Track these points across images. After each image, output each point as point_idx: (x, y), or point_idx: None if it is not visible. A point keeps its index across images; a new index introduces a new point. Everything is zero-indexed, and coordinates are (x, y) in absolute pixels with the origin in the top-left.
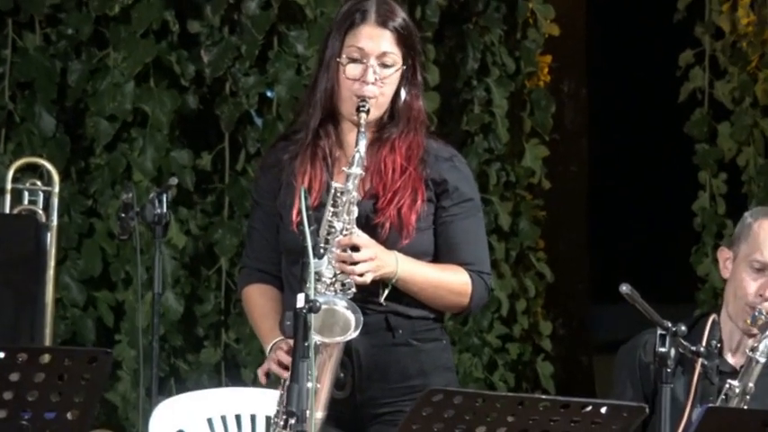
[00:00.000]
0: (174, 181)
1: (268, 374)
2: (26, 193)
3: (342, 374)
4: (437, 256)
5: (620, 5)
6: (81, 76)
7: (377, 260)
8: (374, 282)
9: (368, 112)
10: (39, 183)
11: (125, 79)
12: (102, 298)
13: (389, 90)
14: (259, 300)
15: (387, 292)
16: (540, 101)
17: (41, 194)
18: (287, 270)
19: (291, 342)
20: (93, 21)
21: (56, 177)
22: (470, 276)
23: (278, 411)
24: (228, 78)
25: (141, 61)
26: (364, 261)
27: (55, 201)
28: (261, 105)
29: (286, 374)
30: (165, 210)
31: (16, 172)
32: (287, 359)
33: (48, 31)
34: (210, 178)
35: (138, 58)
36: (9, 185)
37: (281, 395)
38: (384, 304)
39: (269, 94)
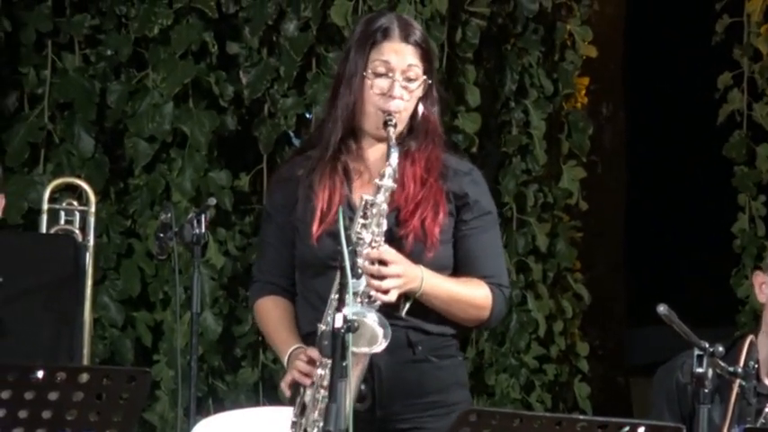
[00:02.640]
0: (212, 201)
1: (291, 385)
2: (62, 213)
3: (363, 387)
4: (456, 269)
5: (659, 27)
6: (120, 96)
7: (403, 277)
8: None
9: (395, 126)
10: (75, 203)
11: (164, 100)
12: (141, 318)
13: (412, 104)
14: (273, 312)
15: (408, 305)
16: (577, 122)
17: (78, 214)
18: (303, 284)
19: (310, 351)
20: (132, 42)
21: (92, 197)
22: (491, 290)
23: (294, 423)
24: (267, 99)
25: (180, 82)
26: (391, 277)
27: (92, 220)
28: (299, 126)
29: (308, 382)
30: (203, 230)
31: (53, 192)
32: (307, 368)
33: (87, 52)
34: (249, 199)
35: (176, 78)
36: (45, 206)
37: (298, 405)
38: (405, 318)
39: (307, 115)
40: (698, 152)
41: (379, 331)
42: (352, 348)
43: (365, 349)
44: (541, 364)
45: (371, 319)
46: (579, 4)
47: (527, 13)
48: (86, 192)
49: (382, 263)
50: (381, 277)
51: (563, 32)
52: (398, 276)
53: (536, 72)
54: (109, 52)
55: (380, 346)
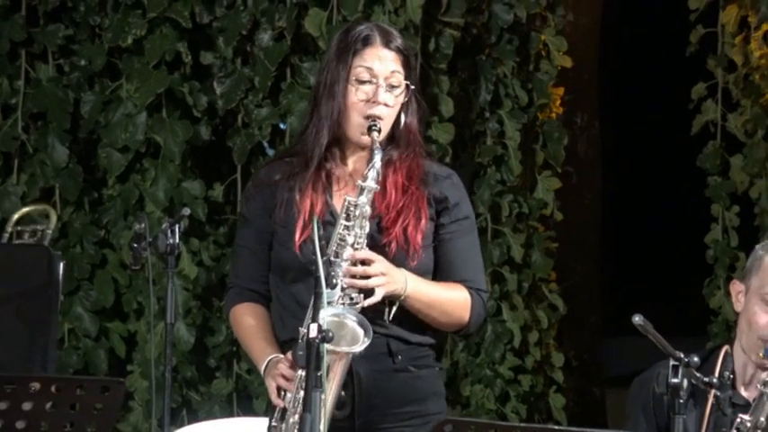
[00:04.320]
0: (186, 211)
1: (280, 395)
2: (26, 235)
3: (342, 393)
4: (435, 273)
5: (633, 38)
6: (94, 107)
7: (387, 275)
8: (380, 301)
9: (380, 130)
10: (38, 227)
11: (137, 110)
12: (115, 328)
13: (395, 111)
14: (249, 319)
15: (394, 310)
16: (552, 133)
17: (39, 234)
18: (281, 289)
19: (289, 354)
20: (106, 52)
21: (53, 219)
22: (470, 294)
23: (273, 428)
24: (241, 110)
25: (154, 92)
26: (376, 275)
27: (48, 236)
28: (273, 137)
29: (292, 387)
30: (177, 240)
31: (29, 202)
32: (290, 372)
33: (61, 62)
34: (223, 209)
35: (150, 89)
36: (9, 229)
37: (278, 409)
38: (386, 327)
39: (281, 125)
40: (672, 162)
41: (360, 332)
42: (333, 347)
43: (346, 348)
44: (516, 375)
45: (352, 320)
46: (554, 15)
47: (501, 23)
48: (50, 213)
49: (364, 263)
50: (366, 277)
51: (538, 43)
52: (383, 274)
53: (511, 82)
54: (83, 62)
55: (361, 345)
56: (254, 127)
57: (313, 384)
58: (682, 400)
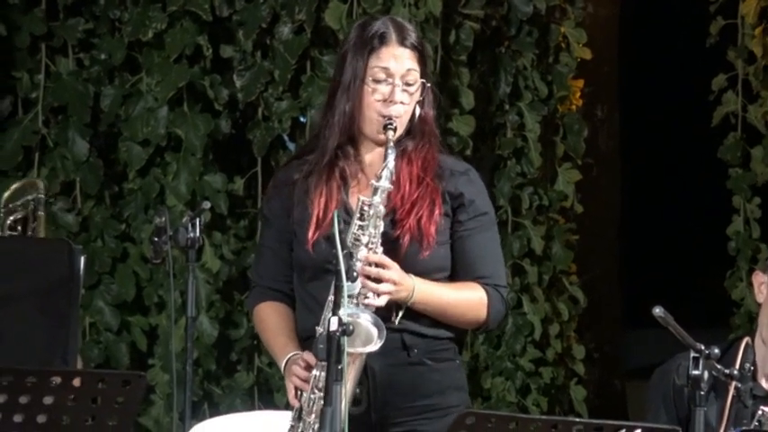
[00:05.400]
0: (207, 205)
1: (297, 395)
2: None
3: (358, 390)
4: (453, 271)
5: (653, 29)
6: (114, 100)
7: (398, 284)
8: (388, 303)
9: (395, 129)
10: (29, 198)
11: (158, 104)
12: (136, 322)
13: (411, 107)
14: (272, 317)
15: (400, 314)
16: (572, 125)
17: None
18: (301, 288)
19: (306, 355)
20: (126, 46)
21: (42, 186)
22: (487, 291)
23: (291, 427)
24: (261, 103)
25: (174, 86)
26: (387, 281)
27: (41, 201)
28: (293, 130)
29: (308, 387)
30: (198, 234)
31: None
32: (304, 374)
33: (81, 57)
34: (243, 203)
35: (171, 82)
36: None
37: (296, 408)
38: (396, 325)
39: (302, 118)
40: (692, 154)
41: (374, 331)
42: (347, 348)
43: (360, 349)
44: (537, 368)
45: (366, 320)
46: (573, 7)
47: (521, 15)
48: (37, 183)
49: (380, 266)
50: (377, 280)
51: (557, 35)
52: (393, 282)
53: (530, 74)
54: (103, 56)
55: (375, 345)
56: (274, 120)
57: (334, 378)
58: (702, 392)
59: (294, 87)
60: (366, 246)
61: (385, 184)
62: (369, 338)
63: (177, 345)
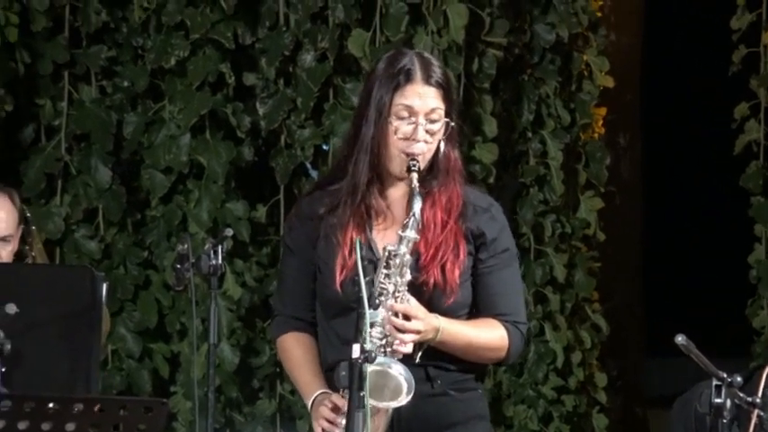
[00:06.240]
0: (229, 232)
1: None
2: None
3: None
4: (473, 307)
5: (676, 58)
6: (137, 128)
7: (422, 333)
8: None
9: (419, 170)
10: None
11: (181, 131)
12: (158, 349)
13: (435, 145)
14: (296, 350)
15: (420, 353)
16: (595, 153)
17: None
18: (324, 322)
19: (334, 398)
20: (148, 73)
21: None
22: (507, 329)
23: None
24: (284, 130)
25: (197, 113)
26: (411, 332)
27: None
28: (316, 157)
29: (336, 430)
30: (220, 261)
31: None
32: (332, 416)
33: (104, 84)
34: (266, 230)
35: (193, 109)
36: None
37: None
38: (417, 362)
39: (324, 146)
40: (714, 182)
41: (404, 385)
42: (375, 402)
43: (387, 404)
44: (560, 395)
45: (397, 371)
46: (596, 35)
47: (544, 43)
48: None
49: (405, 317)
50: (401, 330)
51: (580, 63)
52: (418, 333)
53: (553, 102)
54: (125, 83)
55: (403, 401)
56: (296, 147)
57: (356, 405)
58: (725, 420)
59: (317, 115)
60: (393, 295)
61: (411, 234)
62: (397, 391)
63: (199, 372)
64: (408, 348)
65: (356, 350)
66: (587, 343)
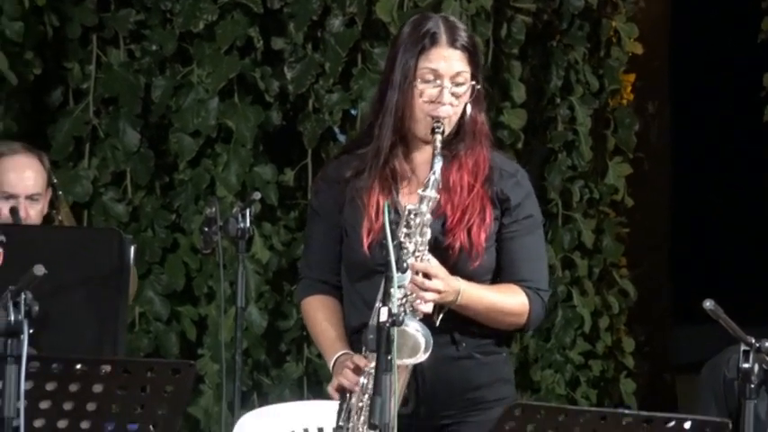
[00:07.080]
0: (257, 196)
1: (338, 390)
2: None
3: (406, 390)
4: (496, 272)
5: (704, 24)
6: (165, 91)
7: (443, 293)
8: None
9: (443, 133)
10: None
11: (209, 95)
12: (186, 312)
13: (460, 108)
14: (320, 312)
15: (441, 316)
16: (623, 119)
17: None
18: (349, 285)
19: (356, 358)
20: (177, 37)
21: None
22: (528, 295)
23: (338, 426)
24: (311, 95)
25: (225, 77)
26: (431, 291)
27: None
28: (344, 122)
29: (356, 388)
30: (248, 224)
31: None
32: (353, 377)
33: (132, 48)
34: (294, 194)
35: (221, 74)
36: None
37: (345, 410)
38: (443, 327)
39: (352, 111)
40: (743, 149)
41: (422, 342)
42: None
43: (405, 360)
44: (587, 360)
45: (414, 329)
46: (625, 1)
47: (573, 9)
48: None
49: (426, 275)
50: (421, 288)
51: (608, 29)
52: (438, 292)
53: (582, 68)
54: (154, 47)
55: (421, 357)
56: (324, 112)
57: (383, 368)
58: (753, 385)
59: (345, 80)
60: (413, 254)
61: (431, 193)
62: (415, 349)
63: (227, 335)
64: (429, 307)
65: (384, 313)
66: (615, 308)
